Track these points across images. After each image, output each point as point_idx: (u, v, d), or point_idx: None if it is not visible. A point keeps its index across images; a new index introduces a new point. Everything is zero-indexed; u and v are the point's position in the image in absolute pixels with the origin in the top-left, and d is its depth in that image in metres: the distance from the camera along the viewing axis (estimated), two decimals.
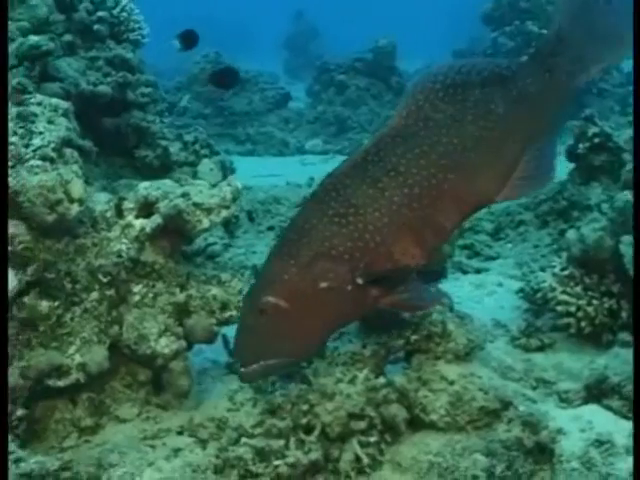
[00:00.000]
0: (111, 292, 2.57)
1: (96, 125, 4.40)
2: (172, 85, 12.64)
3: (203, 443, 2.50)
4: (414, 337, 2.57)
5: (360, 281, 1.88)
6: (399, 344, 2.59)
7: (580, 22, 2.00)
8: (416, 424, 2.42)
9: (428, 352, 2.56)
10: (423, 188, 1.89)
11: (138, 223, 2.69)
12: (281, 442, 2.27)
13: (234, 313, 2.74)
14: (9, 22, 4.13)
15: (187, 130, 5.18)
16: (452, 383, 2.44)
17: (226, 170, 5.24)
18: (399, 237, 1.89)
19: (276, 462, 2.24)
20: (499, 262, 4.09)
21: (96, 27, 4.62)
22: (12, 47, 3.95)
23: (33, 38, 3.91)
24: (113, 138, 4.66)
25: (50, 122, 2.62)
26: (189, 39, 5.48)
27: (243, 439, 2.34)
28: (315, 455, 2.24)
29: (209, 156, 5.05)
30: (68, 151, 2.64)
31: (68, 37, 4.49)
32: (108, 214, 2.67)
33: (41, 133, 2.54)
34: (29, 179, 2.30)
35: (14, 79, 2.65)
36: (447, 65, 1.99)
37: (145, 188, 2.77)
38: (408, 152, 1.90)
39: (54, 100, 2.70)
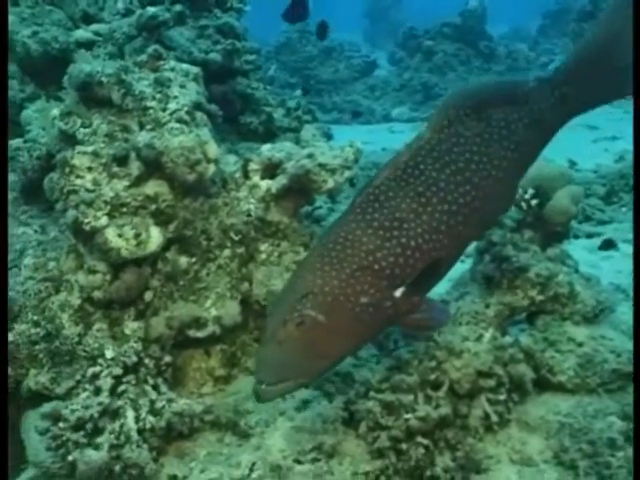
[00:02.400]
0: (241, 250, 2.68)
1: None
2: (255, 45, 12.78)
3: (330, 396, 2.59)
4: (540, 298, 2.56)
5: (398, 294, 1.80)
6: (524, 305, 2.58)
7: (597, 58, 2.02)
8: (543, 385, 2.43)
9: (554, 313, 2.54)
10: (460, 205, 1.87)
11: (264, 184, 2.79)
12: (410, 397, 2.33)
13: None
14: None
15: (289, 96, 5.24)
16: (581, 345, 2.42)
17: (326, 136, 5.28)
18: (434, 254, 1.83)
19: (406, 416, 2.30)
20: (613, 226, 3.96)
21: None
22: (132, 19, 4.12)
23: (151, 9, 4.05)
24: (219, 105, 4.78)
25: (182, 87, 2.73)
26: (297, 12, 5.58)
27: (371, 393, 2.41)
28: (445, 410, 2.28)
29: (311, 122, 5.10)
30: (199, 114, 2.75)
31: (178, 7, 4.60)
32: (237, 175, 2.77)
33: (176, 97, 2.65)
34: (171, 140, 2.41)
35: (150, 47, 2.77)
36: (476, 83, 2.01)
37: (269, 150, 2.86)
38: (446, 167, 1.87)
39: (185, 65, 2.81)
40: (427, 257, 1.81)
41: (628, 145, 6.82)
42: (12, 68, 3.79)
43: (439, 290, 3.13)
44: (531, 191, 2.71)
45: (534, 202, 2.70)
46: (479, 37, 12.16)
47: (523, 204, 2.72)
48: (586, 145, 7.31)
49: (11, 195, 2.92)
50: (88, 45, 4.01)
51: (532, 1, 22.06)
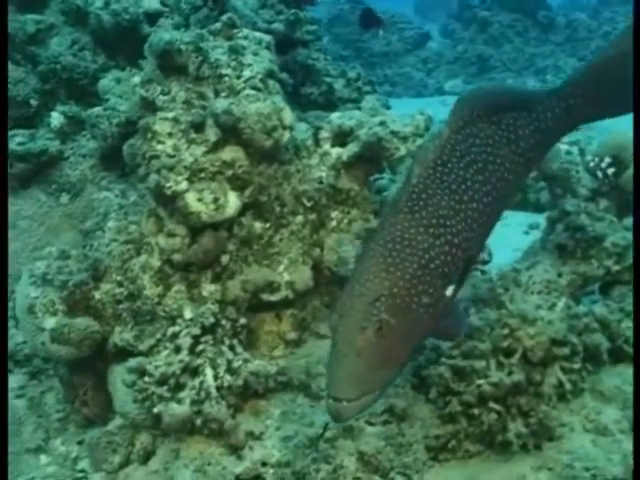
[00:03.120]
0: (313, 216, 2.72)
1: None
2: (315, 16, 12.71)
3: None
4: (616, 268, 2.52)
5: (449, 293, 1.74)
6: (598, 274, 2.56)
7: (605, 75, 2.05)
8: (618, 355, 2.40)
9: (631, 284, 2.51)
10: (484, 205, 1.84)
11: (334, 151, 2.81)
12: (482, 363, 2.34)
13: None
14: None
15: (349, 66, 5.23)
16: None
17: (385, 108, 5.25)
18: (469, 252, 1.79)
19: (479, 381, 2.31)
20: None
21: None
22: None
23: None
24: None
25: (255, 54, 2.76)
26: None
27: (442, 359, 2.43)
28: (517, 377, 2.29)
29: (371, 93, 5.08)
30: (271, 82, 2.78)
31: None
32: (308, 142, 2.80)
33: (250, 65, 2.68)
34: (248, 107, 2.45)
35: (224, 15, 2.80)
36: (489, 87, 2.02)
37: (339, 118, 2.87)
38: (470, 167, 1.84)
39: (257, 34, 2.83)
40: (464, 255, 1.78)
41: None
42: (85, 39, 3.88)
43: (507, 260, 3.12)
44: (608, 160, 2.67)
45: (610, 171, 2.66)
46: (538, 6, 11.82)
47: (599, 173, 2.68)
48: None
49: (90, 162, 3.02)
50: (156, 16, 4.07)
51: None
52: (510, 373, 2.31)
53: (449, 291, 1.74)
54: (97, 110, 2.94)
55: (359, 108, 4.89)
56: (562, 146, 2.74)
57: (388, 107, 5.71)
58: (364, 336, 1.60)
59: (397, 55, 12.40)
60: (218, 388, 2.34)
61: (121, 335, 2.41)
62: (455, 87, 11.08)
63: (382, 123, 2.71)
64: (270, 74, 2.79)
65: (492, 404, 2.27)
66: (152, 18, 4.07)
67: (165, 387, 2.24)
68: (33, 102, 3.22)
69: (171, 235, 2.46)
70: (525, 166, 1.98)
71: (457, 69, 11.65)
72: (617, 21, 13.54)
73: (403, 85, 11.34)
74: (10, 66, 3.65)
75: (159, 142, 2.43)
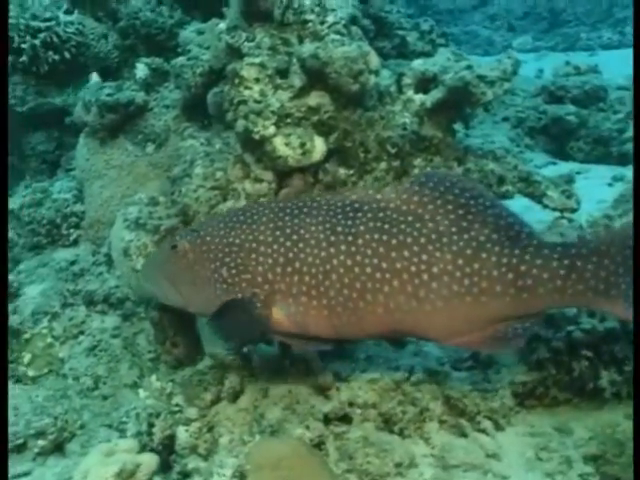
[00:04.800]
0: (396, 163, 2.69)
1: None
2: None
3: None
4: None
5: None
6: None
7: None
8: None
9: None
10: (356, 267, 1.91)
11: (418, 98, 2.76)
12: (573, 310, 2.29)
13: (510, 188, 2.76)
14: None
15: (423, 19, 5.11)
16: None
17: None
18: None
19: (570, 327, 2.28)
20: None
21: None
22: None
23: None
24: None
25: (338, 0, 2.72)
26: None
27: None
28: (611, 324, 2.24)
29: (445, 46, 4.95)
30: (354, 28, 2.75)
31: None
32: (392, 89, 2.76)
33: (333, 10, 2.65)
34: (335, 51, 2.43)
35: None
36: (468, 183, 1.89)
37: (421, 64, 2.82)
38: (374, 232, 1.88)
39: None
40: (267, 288, 1.98)
41: None
42: None
43: (597, 207, 3.02)
44: None
45: None
46: None
47: None
48: None
49: (173, 113, 3.07)
50: None
51: None
52: (603, 320, 2.26)
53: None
54: (181, 60, 2.98)
55: None
56: None
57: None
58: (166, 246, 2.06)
59: (462, 12, 12.05)
60: None
61: None
62: (524, 44, 10.71)
63: (469, 67, 2.64)
64: (353, 20, 2.76)
65: (584, 351, 2.24)
66: None
67: None
68: (95, 77, 3.27)
69: (258, 180, 2.48)
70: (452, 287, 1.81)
71: (526, 25, 11.23)
72: None
73: (469, 44, 11.02)
74: (92, 23, 3.74)
75: (246, 87, 2.45)
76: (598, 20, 10.34)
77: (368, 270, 1.84)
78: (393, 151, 2.67)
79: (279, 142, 2.40)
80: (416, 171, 2.76)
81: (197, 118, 3.03)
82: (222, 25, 2.59)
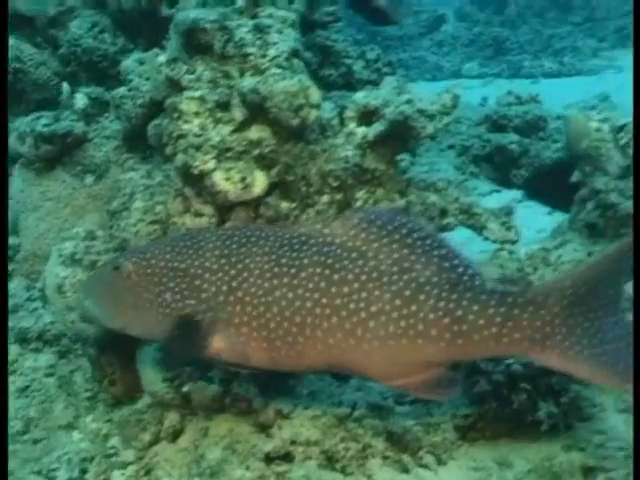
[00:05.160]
0: (339, 196, 2.70)
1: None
2: None
3: None
4: None
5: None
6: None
7: (583, 311, 1.70)
8: None
9: None
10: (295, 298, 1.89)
11: (360, 131, 2.78)
12: None
13: (452, 220, 2.80)
14: None
15: (369, 47, 5.18)
16: None
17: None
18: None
19: (508, 361, 2.30)
20: None
21: None
22: None
23: None
24: None
25: (280, 33, 2.73)
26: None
27: None
28: None
29: (390, 74, 5.03)
30: (296, 61, 2.75)
31: None
32: (334, 121, 2.78)
33: (275, 43, 2.65)
34: (275, 85, 2.43)
35: None
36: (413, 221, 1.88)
37: (364, 97, 2.84)
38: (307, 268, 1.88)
39: (282, 12, 2.80)
40: (209, 313, 1.95)
41: None
42: (104, 22, 3.87)
43: (533, 240, 3.10)
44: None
45: None
46: None
47: (630, 151, 2.64)
48: None
49: (114, 143, 3.01)
50: None
51: None
52: None
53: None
54: (121, 91, 2.93)
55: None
56: (592, 124, 2.69)
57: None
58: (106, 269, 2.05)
59: (411, 38, 12.28)
60: None
61: None
62: (471, 70, 10.98)
63: (409, 101, 2.67)
64: (295, 53, 2.76)
65: (523, 384, 2.26)
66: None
67: (194, 366, 2.25)
68: (66, 86, 3.21)
69: (198, 214, 2.45)
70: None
71: (473, 51, 11.52)
72: None
73: (418, 69, 11.23)
74: (31, 49, 3.65)
75: (186, 121, 2.42)
76: (539, 49, 10.69)
77: (309, 305, 1.83)
78: (335, 184, 2.68)
79: (219, 177, 2.38)
80: (359, 203, 2.77)
81: (138, 149, 2.98)
82: (162, 57, 2.56)
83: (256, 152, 2.48)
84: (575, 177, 2.73)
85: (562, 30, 11.11)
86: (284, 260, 1.87)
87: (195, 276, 1.91)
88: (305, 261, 1.86)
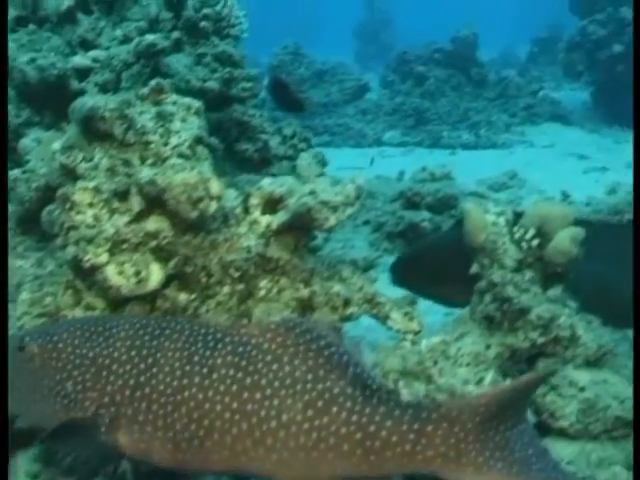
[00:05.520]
0: (241, 286, 2.65)
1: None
2: (252, 72, 12.85)
3: None
4: (541, 340, 2.55)
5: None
6: (525, 347, 2.57)
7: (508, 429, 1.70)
8: (544, 429, 2.41)
9: (555, 356, 2.53)
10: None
11: (264, 219, 2.77)
12: None
13: (355, 310, 2.79)
14: (126, 22, 4.30)
15: (286, 123, 5.26)
16: (583, 389, 2.41)
17: (322, 164, 5.29)
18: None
19: None
20: None
21: (202, 24, 4.74)
22: (130, 46, 4.12)
23: (149, 37, 4.05)
24: (215, 132, 4.78)
25: (184, 121, 2.72)
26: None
27: None
28: None
29: (306, 150, 5.11)
30: (200, 148, 2.74)
31: (176, 34, 4.62)
32: (237, 210, 2.75)
33: (177, 132, 2.63)
34: (174, 177, 2.39)
35: (152, 80, 2.76)
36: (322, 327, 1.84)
37: (269, 184, 2.84)
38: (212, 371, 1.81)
39: (187, 99, 2.79)
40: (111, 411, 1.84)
41: (618, 177, 6.93)
42: (10, 94, 3.77)
43: (439, 323, 3.12)
44: (532, 231, 2.72)
45: (535, 242, 2.71)
46: (470, 64, 12.33)
47: (524, 244, 2.72)
48: (577, 176, 7.40)
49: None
50: (85, 71, 4.00)
51: (522, 26, 22.43)
52: None
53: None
54: (15, 173, 2.83)
55: (294, 167, 4.93)
56: (489, 216, 2.77)
57: (325, 163, 5.76)
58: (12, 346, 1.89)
59: (336, 105, 12.64)
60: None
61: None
62: (393, 138, 11.36)
63: (312, 192, 2.69)
64: (199, 140, 2.75)
65: None
66: (82, 73, 4.00)
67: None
68: None
69: (90, 308, 2.34)
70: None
71: (395, 120, 11.95)
72: (544, 80, 14.23)
73: (342, 135, 11.54)
74: None
75: (78, 212, 2.34)
76: (457, 121, 11.19)
77: (218, 408, 1.74)
78: (237, 274, 2.63)
79: (111, 271, 2.29)
80: (262, 293, 2.73)
81: (33, 232, 2.86)
82: (56, 145, 2.49)
83: (153, 244, 2.41)
84: (474, 269, 2.78)
85: (478, 104, 11.70)
86: (196, 358, 1.78)
87: (102, 366, 1.80)
88: (218, 361, 1.77)
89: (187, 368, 1.76)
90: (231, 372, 1.75)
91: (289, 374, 1.74)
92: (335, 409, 1.69)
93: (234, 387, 1.74)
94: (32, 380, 1.83)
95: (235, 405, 1.72)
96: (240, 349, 1.78)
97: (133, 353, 1.79)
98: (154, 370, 1.77)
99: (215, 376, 1.75)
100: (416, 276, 3.00)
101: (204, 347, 1.79)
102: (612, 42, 10.10)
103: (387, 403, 1.70)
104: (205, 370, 1.75)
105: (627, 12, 9.93)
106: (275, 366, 1.75)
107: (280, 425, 1.70)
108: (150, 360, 1.78)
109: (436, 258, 3.20)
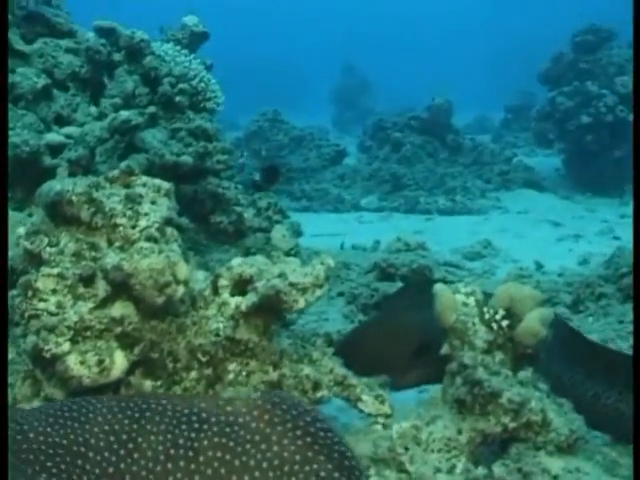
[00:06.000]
0: (208, 371, 2.60)
1: (175, 192, 4.55)
2: (229, 141, 13.04)
3: None
4: (512, 425, 2.51)
5: None
6: (496, 431, 2.53)
7: None
8: None
9: (527, 441, 2.49)
10: None
11: (233, 301, 2.74)
12: None
13: (325, 393, 2.74)
14: (103, 98, 4.36)
15: (260, 195, 5.29)
16: (556, 478, 2.36)
17: (296, 235, 5.31)
18: None
19: None
20: None
21: (177, 99, 4.82)
22: (105, 122, 4.16)
23: (124, 113, 4.10)
24: (190, 204, 4.80)
25: (153, 202, 2.71)
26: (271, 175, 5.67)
27: None
28: None
29: (281, 221, 5.13)
30: (169, 230, 2.72)
31: (152, 109, 4.69)
32: (206, 292, 2.73)
33: (146, 214, 2.62)
34: (140, 262, 2.37)
35: (123, 162, 2.77)
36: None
37: (239, 265, 2.83)
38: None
39: (157, 181, 2.80)
40: None
41: (590, 246, 7.05)
42: None
43: (413, 397, 3.06)
44: (502, 312, 2.72)
45: (504, 323, 2.71)
46: (445, 130, 12.63)
47: (494, 325, 2.72)
48: (551, 244, 7.49)
49: None
50: (59, 148, 4.02)
51: (495, 94, 23.18)
52: None
53: None
54: None
55: (269, 239, 4.94)
56: (459, 296, 2.78)
57: (300, 233, 5.79)
58: None
59: (314, 171, 12.81)
60: None
61: None
62: (370, 203, 11.49)
63: (281, 275, 2.68)
64: (168, 221, 2.74)
65: None
66: (55, 149, 4.01)
67: None
68: None
69: (48, 400, 2.27)
70: None
71: (372, 186, 12.11)
72: (518, 145, 14.61)
73: (320, 200, 11.65)
74: None
75: (41, 300, 2.30)
76: (434, 186, 11.37)
77: None
78: (204, 359, 2.59)
79: (73, 360, 2.23)
80: (230, 376, 2.67)
81: None
82: (21, 230, 2.46)
83: (118, 330, 2.37)
84: (444, 350, 2.76)
85: (454, 170, 11.93)
86: (181, 441, 1.69)
87: (77, 454, 1.68)
88: (205, 442, 1.69)
89: (171, 452, 1.67)
90: (219, 454, 1.67)
91: (277, 455, 1.67)
92: None
93: (222, 470, 1.65)
94: None
95: None
96: (227, 429, 1.70)
97: (112, 439, 1.69)
98: (135, 456, 1.67)
99: (202, 459, 1.66)
100: (355, 362, 2.94)
101: (188, 429, 1.70)
102: (579, 113, 10.45)
103: None
104: (191, 453, 1.66)
105: (592, 86, 10.34)
106: (263, 446, 1.68)
107: None
108: (131, 445, 1.68)
109: (370, 345, 3.15)
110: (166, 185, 2.83)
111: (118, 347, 2.35)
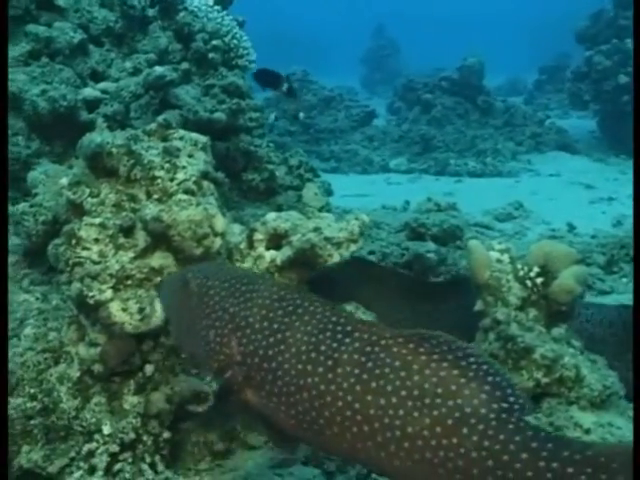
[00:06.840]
0: None
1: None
2: (259, 103, 12.98)
3: (330, 475, 2.54)
4: (545, 380, 2.53)
5: None
6: (529, 386, 2.55)
7: None
8: None
9: (560, 397, 2.51)
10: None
11: (268, 255, 2.77)
12: None
13: None
14: (136, 54, 4.36)
15: (291, 153, 5.29)
16: (588, 432, 2.38)
17: (327, 194, 5.31)
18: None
19: None
20: (613, 297, 3.96)
21: (211, 55, 4.80)
22: (139, 78, 4.17)
23: (158, 69, 4.10)
24: (222, 161, 4.81)
25: (190, 156, 2.74)
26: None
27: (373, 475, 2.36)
28: None
29: (312, 180, 5.13)
30: (205, 183, 2.75)
31: (185, 65, 4.68)
32: (242, 245, 2.76)
33: (184, 167, 2.65)
34: (179, 214, 2.41)
35: (161, 116, 2.79)
36: None
37: (274, 220, 2.85)
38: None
39: (194, 135, 2.82)
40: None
41: (624, 208, 6.91)
42: (19, 125, 3.82)
43: None
44: (536, 269, 2.71)
45: (539, 280, 2.70)
46: (477, 92, 12.39)
47: (528, 282, 2.71)
48: (583, 207, 7.37)
49: (13, 258, 2.90)
50: (95, 103, 4.04)
51: (530, 54, 22.58)
52: None
53: None
54: (22, 206, 2.85)
55: (300, 196, 4.94)
56: (493, 253, 2.77)
57: (330, 192, 5.79)
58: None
59: (343, 132, 12.72)
60: None
61: (29, 455, 2.24)
62: (400, 165, 11.38)
63: (316, 229, 2.70)
64: (205, 175, 2.77)
65: None
66: (91, 104, 4.04)
67: None
68: None
69: (93, 345, 2.34)
70: None
71: (402, 147, 11.99)
72: (551, 108, 14.28)
73: (349, 161, 11.58)
74: None
75: (84, 248, 2.35)
76: (464, 148, 11.22)
77: (339, 404, 1.67)
78: None
79: (115, 307, 2.29)
80: None
81: (39, 265, 2.87)
82: (64, 180, 2.51)
83: (157, 280, 2.42)
84: (478, 306, 2.77)
85: (484, 132, 11.74)
86: (323, 348, 1.71)
87: (238, 326, 1.80)
88: (344, 357, 1.69)
89: (312, 355, 1.70)
90: (356, 371, 1.67)
91: (417, 385, 1.61)
92: (466, 430, 1.55)
93: (357, 387, 1.66)
94: (189, 316, 1.86)
95: (357, 406, 1.65)
96: (368, 348, 1.68)
97: (265, 324, 1.77)
98: (281, 347, 1.74)
99: (339, 371, 1.67)
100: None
101: (332, 338, 1.71)
102: (617, 73, 10.16)
103: (524, 431, 1.54)
104: (330, 362, 1.69)
105: (632, 44, 10.01)
106: (403, 374, 1.64)
107: (405, 436, 1.60)
108: (279, 336, 1.74)
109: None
110: (203, 139, 2.85)
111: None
